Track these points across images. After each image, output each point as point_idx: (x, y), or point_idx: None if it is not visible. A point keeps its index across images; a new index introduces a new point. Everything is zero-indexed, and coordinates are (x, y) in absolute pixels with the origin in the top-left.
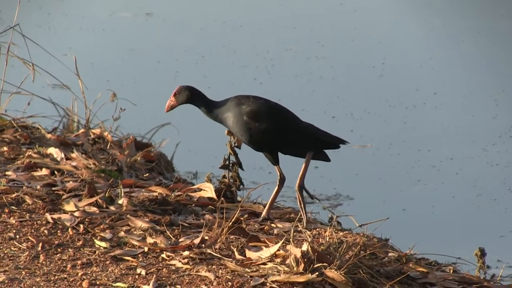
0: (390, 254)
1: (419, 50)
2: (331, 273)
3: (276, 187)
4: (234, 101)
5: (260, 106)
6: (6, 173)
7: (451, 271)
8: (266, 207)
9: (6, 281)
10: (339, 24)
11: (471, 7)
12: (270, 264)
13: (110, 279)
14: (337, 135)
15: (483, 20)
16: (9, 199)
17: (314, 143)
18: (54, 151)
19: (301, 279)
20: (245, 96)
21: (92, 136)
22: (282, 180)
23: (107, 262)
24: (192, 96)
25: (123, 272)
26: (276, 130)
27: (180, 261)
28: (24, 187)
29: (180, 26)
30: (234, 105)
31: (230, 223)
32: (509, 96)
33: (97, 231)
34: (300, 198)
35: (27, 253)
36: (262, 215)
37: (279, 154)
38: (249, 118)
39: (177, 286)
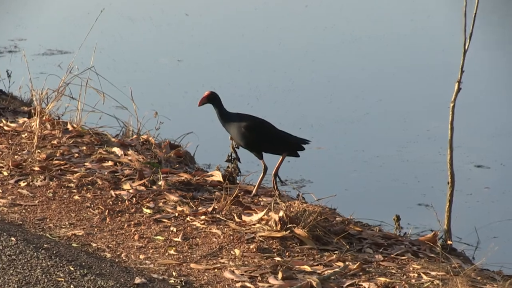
0: (337, 219)
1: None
2: (299, 231)
3: (261, 174)
4: (238, 117)
5: (253, 123)
6: (85, 164)
7: (378, 230)
8: (255, 187)
9: (84, 235)
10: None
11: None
12: (258, 225)
13: (153, 233)
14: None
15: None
16: (87, 181)
17: (288, 147)
18: (116, 150)
19: (279, 234)
20: (246, 115)
21: (142, 140)
22: (265, 169)
23: (151, 223)
24: (215, 100)
25: (161, 229)
26: (262, 138)
27: (198, 222)
28: (96, 173)
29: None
30: (237, 120)
31: (232, 198)
32: None
33: (144, 202)
34: (274, 181)
35: (98, 217)
36: (253, 192)
37: (264, 153)
38: (245, 130)
39: (197, 239)
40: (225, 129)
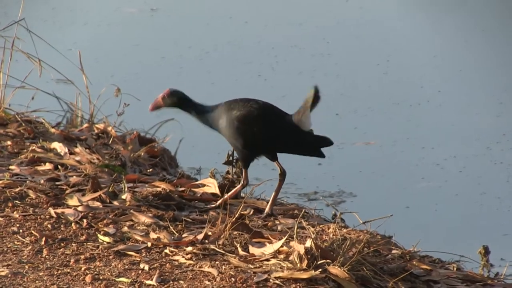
0: (393, 251)
1: (424, 48)
2: (335, 269)
3: (278, 182)
4: (224, 107)
5: (249, 109)
6: (10, 167)
7: (455, 269)
8: (269, 203)
9: (9, 275)
10: (344, 21)
11: (477, 6)
12: (273, 260)
13: (113, 274)
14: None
15: (489, 18)
16: (13, 193)
17: (305, 144)
18: (57, 146)
19: (304, 275)
20: (234, 101)
21: (96, 131)
22: (283, 174)
23: (110, 257)
24: (179, 102)
25: (126, 267)
26: (268, 130)
27: (183, 257)
28: (27, 181)
29: (185, 22)
30: (225, 111)
31: (234, 219)
32: None
33: (100, 226)
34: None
35: (30, 247)
36: (265, 211)
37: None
38: (239, 123)
39: (180, 281)
40: (217, 132)
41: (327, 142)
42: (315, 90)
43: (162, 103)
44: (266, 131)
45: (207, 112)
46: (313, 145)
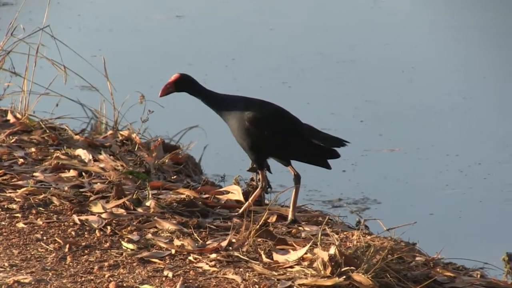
0: (417, 258)
1: (449, 54)
2: (358, 276)
3: (294, 188)
4: (240, 104)
5: (262, 112)
6: (34, 174)
7: (479, 276)
8: (290, 209)
9: (33, 283)
10: (370, 28)
11: (503, 12)
12: (297, 267)
13: (137, 281)
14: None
15: None
16: (37, 200)
17: (316, 153)
18: (82, 153)
19: (328, 282)
20: (249, 101)
21: (120, 138)
22: (297, 177)
23: (134, 264)
24: (188, 85)
25: (150, 274)
26: (277, 137)
27: (207, 264)
28: (51, 188)
29: (211, 29)
30: (238, 109)
31: (258, 226)
32: None
33: (124, 233)
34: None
35: (54, 254)
36: (288, 218)
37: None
38: (250, 125)
39: None
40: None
41: (335, 154)
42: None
43: (173, 87)
44: (275, 137)
45: (219, 100)
46: (320, 156)
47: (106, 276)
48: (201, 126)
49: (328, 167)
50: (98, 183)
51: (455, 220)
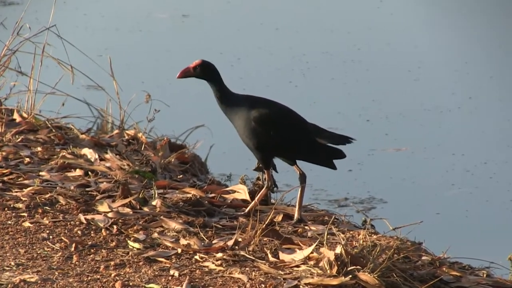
0: (423, 258)
1: (455, 54)
2: (365, 276)
3: (300, 187)
4: (246, 103)
5: (268, 112)
6: (40, 173)
7: (485, 275)
8: (296, 208)
9: (39, 282)
10: (375, 28)
11: (509, 12)
12: (303, 267)
13: (143, 280)
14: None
15: None
16: (43, 199)
17: (321, 153)
18: (88, 152)
19: (335, 281)
20: (256, 100)
21: (126, 137)
22: (302, 176)
23: (140, 263)
24: (209, 73)
25: (156, 273)
26: (283, 137)
27: (213, 263)
28: (57, 188)
29: (216, 28)
30: (247, 106)
31: (264, 225)
32: None
33: (130, 232)
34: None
35: (60, 253)
36: (295, 217)
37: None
38: (256, 124)
39: (210, 287)
40: (228, 119)
41: (341, 155)
42: None
43: (192, 72)
44: (281, 137)
45: (229, 97)
46: (326, 157)
47: (112, 275)
48: (207, 126)
49: (333, 167)
50: (104, 182)
51: (461, 219)
